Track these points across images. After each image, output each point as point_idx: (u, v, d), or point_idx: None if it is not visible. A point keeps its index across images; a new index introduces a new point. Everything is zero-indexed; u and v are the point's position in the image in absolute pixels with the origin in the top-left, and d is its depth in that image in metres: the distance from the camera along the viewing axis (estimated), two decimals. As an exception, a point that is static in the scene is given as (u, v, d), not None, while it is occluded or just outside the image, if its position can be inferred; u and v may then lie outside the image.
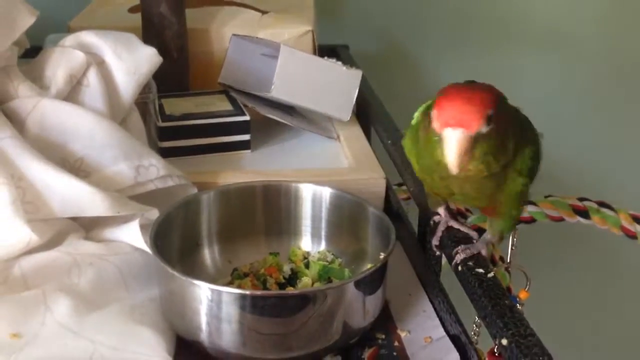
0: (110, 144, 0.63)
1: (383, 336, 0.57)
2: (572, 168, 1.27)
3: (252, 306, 0.50)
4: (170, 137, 0.79)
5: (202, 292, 0.50)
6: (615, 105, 1.29)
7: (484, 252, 0.56)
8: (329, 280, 0.62)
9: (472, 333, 0.64)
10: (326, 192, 0.65)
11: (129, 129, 0.69)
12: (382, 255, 0.54)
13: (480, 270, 0.53)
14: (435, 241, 0.60)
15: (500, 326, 0.46)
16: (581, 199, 0.77)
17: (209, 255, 0.64)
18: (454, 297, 0.61)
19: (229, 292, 0.50)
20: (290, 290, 0.59)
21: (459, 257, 0.56)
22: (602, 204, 0.77)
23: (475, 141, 0.47)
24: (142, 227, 0.60)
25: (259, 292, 0.51)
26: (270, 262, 0.64)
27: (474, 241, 0.58)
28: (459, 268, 0.55)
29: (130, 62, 0.69)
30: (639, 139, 1.30)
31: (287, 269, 0.63)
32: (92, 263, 0.57)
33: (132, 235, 0.59)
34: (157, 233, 0.56)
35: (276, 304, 0.50)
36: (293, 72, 0.80)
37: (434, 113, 0.48)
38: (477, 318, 0.59)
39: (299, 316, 0.50)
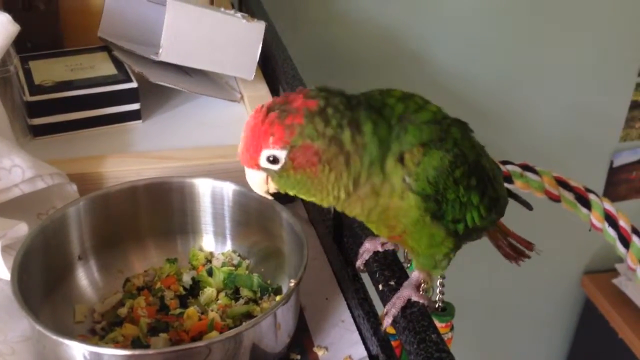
0: (-42, 145, 0.52)
1: (298, 357, 0.51)
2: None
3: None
4: (42, 113, 0.67)
5: (76, 353, 0.42)
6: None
7: (415, 297, 0.45)
8: (236, 289, 0.55)
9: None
10: (228, 189, 0.56)
11: (-16, 119, 0.57)
12: (292, 283, 0.47)
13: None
14: (359, 264, 0.52)
15: None
16: (504, 162, 0.72)
17: (94, 268, 0.55)
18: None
19: (109, 354, 0.42)
20: (183, 336, 0.50)
21: (387, 321, 0.45)
22: (525, 167, 0.72)
23: (271, 176, 0.42)
24: (8, 247, 0.50)
25: (150, 352, 0.43)
26: (168, 271, 0.56)
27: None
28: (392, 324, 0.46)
29: (-22, 34, 0.56)
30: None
31: (187, 278, 0.55)
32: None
33: (-8, 263, 0.49)
34: (22, 264, 0.47)
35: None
36: (183, 30, 0.69)
37: None
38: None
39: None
